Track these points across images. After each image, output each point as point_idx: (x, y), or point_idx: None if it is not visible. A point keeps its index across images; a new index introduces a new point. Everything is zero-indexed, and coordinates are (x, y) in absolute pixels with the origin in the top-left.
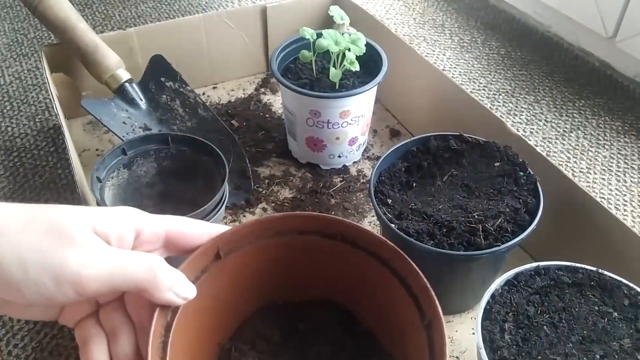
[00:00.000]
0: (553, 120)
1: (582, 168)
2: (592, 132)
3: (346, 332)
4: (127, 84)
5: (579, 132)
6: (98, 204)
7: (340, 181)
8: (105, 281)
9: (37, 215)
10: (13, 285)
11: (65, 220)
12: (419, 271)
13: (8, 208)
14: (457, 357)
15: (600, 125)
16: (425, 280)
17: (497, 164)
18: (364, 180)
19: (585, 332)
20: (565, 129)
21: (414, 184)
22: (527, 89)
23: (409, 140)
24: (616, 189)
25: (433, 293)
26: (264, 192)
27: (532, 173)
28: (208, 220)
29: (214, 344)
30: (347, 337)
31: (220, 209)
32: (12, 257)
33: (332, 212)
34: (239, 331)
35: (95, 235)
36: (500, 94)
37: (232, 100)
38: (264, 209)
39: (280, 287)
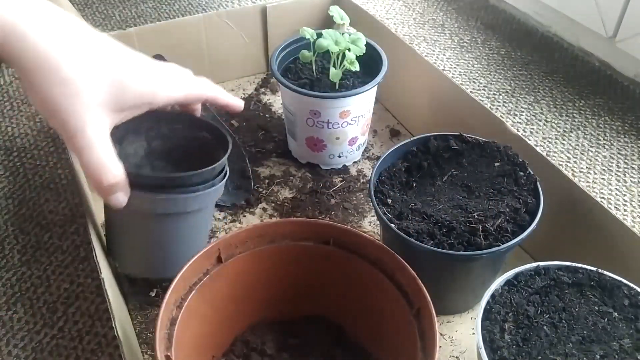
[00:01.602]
0: (553, 120)
1: (582, 168)
2: (592, 132)
3: (336, 345)
4: None
5: (579, 132)
6: None
7: (340, 181)
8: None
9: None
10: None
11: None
12: (407, 265)
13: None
14: (457, 357)
15: (600, 125)
16: (412, 271)
17: (497, 164)
18: (364, 180)
19: (585, 332)
20: (565, 129)
21: (414, 184)
22: (527, 89)
23: (409, 140)
24: (616, 189)
25: (420, 282)
26: (264, 192)
27: (532, 173)
28: (203, 191)
29: (209, 357)
30: (337, 349)
31: (218, 182)
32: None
33: (332, 212)
34: (232, 347)
35: None
36: (500, 94)
37: None
38: (264, 209)
39: (274, 299)
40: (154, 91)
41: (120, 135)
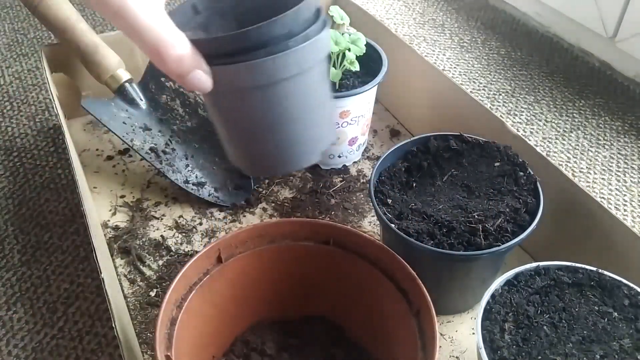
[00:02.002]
0: (553, 120)
1: (582, 168)
2: (592, 132)
3: (336, 345)
4: (127, 84)
5: (579, 132)
6: None
7: (340, 181)
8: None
9: None
10: None
11: None
12: (407, 265)
13: None
14: (457, 357)
15: (600, 125)
16: (412, 271)
17: (497, 164)
18: (364, 180)
19: (585, 332)
20: (565, 129)
21: (414, 184)
22: (527, 89)
23: (409, 140)
24: (616, 189)
25: (420, 282)
26: (264, 192)
27: (532, 173)
28: (296, 47)
29: (209, 357)
30: (337, 349)
31: (314, 34)
32: None
33: (332, 212)
34: (233, 347)
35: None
36: (500, 94)
37: None
38: (264, 209)
39: (274, 300)
40: None
41: (205, 20)
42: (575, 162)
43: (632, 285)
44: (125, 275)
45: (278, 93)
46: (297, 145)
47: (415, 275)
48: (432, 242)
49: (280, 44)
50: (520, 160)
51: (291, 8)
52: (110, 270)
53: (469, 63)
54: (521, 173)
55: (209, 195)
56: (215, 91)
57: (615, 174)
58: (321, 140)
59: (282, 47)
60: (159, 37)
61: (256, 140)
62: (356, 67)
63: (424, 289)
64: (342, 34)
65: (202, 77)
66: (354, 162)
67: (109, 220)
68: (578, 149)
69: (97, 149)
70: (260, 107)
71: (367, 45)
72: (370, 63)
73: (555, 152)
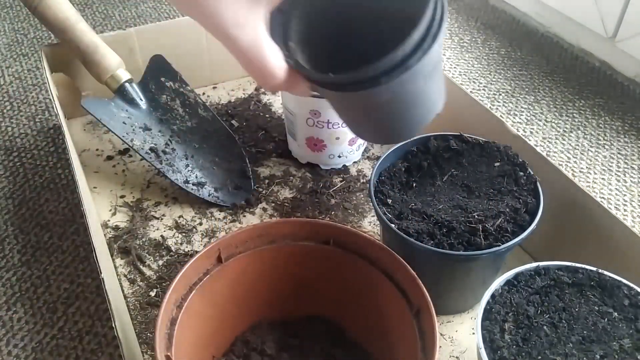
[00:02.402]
0: (553, 120)
1: (582, 168)
2: (592, 132)
3: (336, 345)
4: (127, 84)
5: (579, 132)
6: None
7: (340, 181)
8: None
9: None
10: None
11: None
12: (407, 265)
13: None
14: (457, 357)
15: (600, 125)
16: (412, 271)
17: (497, 164)
18: (364, 180)
19: (585, 332)
20: (565, 129)
21: (414, 184)
22: (527, 89)
23: (409, 140)
24: (616, 189)
25: (420, 282)
26: (264, 192)
27: (532, 173)
28: (420, 59)
29: (209, 357)
30: (337, 349)
31: (416, 62)
32: None
33: (332, 212)
34: (233, 347)
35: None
36: (500, 94)
37: (232, 100)
38: (264, 209)
39: (274, 300)
40: None
41: (288, 7)
42: (575, 162)
43: (632, 285)
44: (125, 275)
45: (390, 105)
46: (417, 124)
47: (415, 275)
48: (432, 242)
49: (394, 71)
50: (520, 160)
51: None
52: (110, 270)
53: (469, 63)
54: (521, 173)
55: (209, 195)
56: (337, 102)
57: (615, 174)
58: (424, 119)
59: (397, 73)
60: (258, 66)
61: (374, 127)
62: None
63: (424, 289)
64: None
65: (299, 91)
66: (354, 162)
67: (109, 220)
68: (578, 149)
69: (97, 149)
70: (360, 110)
71: None
72: None
73: (555, 152)
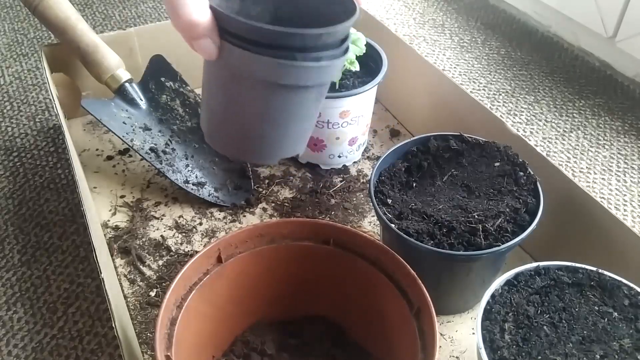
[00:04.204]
0: (553, 120)
1: (582, 168)
2: (592, 132)
3: (336, 345)
4: (127, 84)
5: (579, 132)
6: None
7: (340, 181)
8: None
9: None
10: None
11: None
12: (407, 265)
13: None
14: (457, 357)
15: (600, 125)
16: (412, 271)
17: (497, 164)
18: (364, 180)
19: (585, 332)
20: (565, 129)
21: (414, 184)
22: (527, 89)
23: (409, 140)
24: (616, 189)
25: (420, 282)
26: (264, 192)
27: (532, 173)
28: (328, 61)
29: (209, 357)
30: (337, 349)
31: (341, 55)
32: None
33: (332, 212)
34: (232, 347)
35: None
36: (500, 94)
37: None
38: (264, 209)
39: (274, 300)
40: None
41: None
42: (575, 162)
43: (632, 285)
44: (125, 275)
45: (286, 96)
46: (277, 143)
47: (415, 275)
48: (432, 242)
49: (315, 53)
50: (520, 160)
51: (326, 14)
52: (110, 270)
53: (469, 63)
54: (521, 173)
55: (209, 195)
56: (226, 70)
57: (615, 174)
58: (294, 147)
59: (315, 57)
60: (183, 6)
61: (242, 126)
62: (356, 67)
63: (424, 289)
64: None
65: (209, 47)
66: (354, 162)
67: (109, 220)
68: (578, 149)
69: (97, 149)
70: (263, 102)
71: (367, 45)
72: (370, 63)
73: (555, 152)
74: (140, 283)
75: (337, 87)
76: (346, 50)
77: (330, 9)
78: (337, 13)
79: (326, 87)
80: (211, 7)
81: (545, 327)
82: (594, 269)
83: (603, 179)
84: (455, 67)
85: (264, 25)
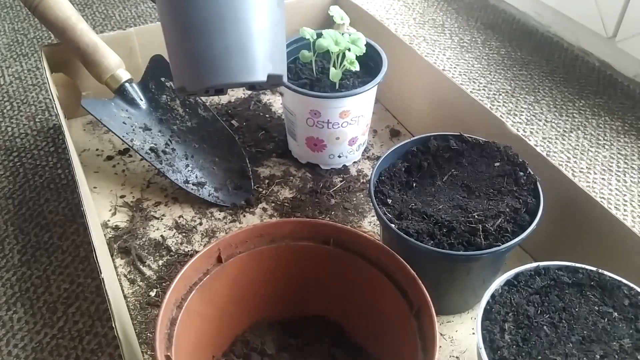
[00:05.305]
0: (553, 120)
1: (582, 168)
2: (592, 132)
3: (336, 345)
4: (127, 84)
5: (579, 132)
6: None
7: (340, 181)
8: None
9: None
10: None
11: None
12: (407, 265)
13: None
14: (457, 357)
15: (600, 125)
16: (412, 272)
17: (497, 164)
18: (364, 180)
19: (585, 332)
20: (565, 129)
21: (414, 184)
22: (527, 89)
23: (409, 140)
24: (616, 189)
25: (420, 282)
26: (264, 192)
27: (532, 173)
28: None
29: (209, 357)
30: (337, 349)
31: None
32: None
33: (332, 212)
34: (233, 347)
35: None
36: (500, 94)
37: (232, 100)
38: (264, 209)
39: (274, 300)
40: None
41: None
42: (575, 162)
43: (632, 285)
44: (125, 275)
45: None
46: (239, 53)
47: (415, 275)
48: (432, 242)
49: None
50: (520, 160)
51: None
52: (110, 270)
53: (469, 63)
54: (521, 173)
55: (209, 195)
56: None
57: (615, 174)
58: (263, 60)
59: None
60: None
61: (198, 43)
62: (356, 67)
63: (424, 289)
64: (342, 34)
65: None
66: (354, 162)
67: (109, 220)
68: (578, 149)
69: (97, 149)
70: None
71: (367, 45)
72: (370, 63)
73: (555, 152)
74: (140, 283)
75: (337, 87)
76: None
77: None
78: None
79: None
80: None
81: (545, 327)
82: (594, 269)
83: (603, 179)
84: (455, 67)
85: None
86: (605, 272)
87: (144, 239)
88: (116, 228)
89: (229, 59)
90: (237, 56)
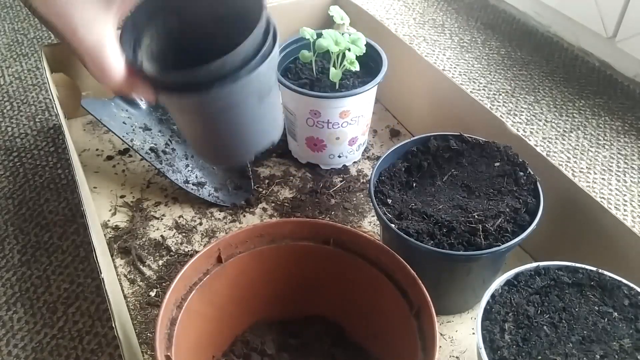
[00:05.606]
0: (553, 120)
1: (582, 168)
2: (592, 132)
3: (336, 345)
4: None
5: (579, 132)
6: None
7: (340, 181)
8: None
9: None
10: None
11: None
12: (407, 265)
13: None
14: (457, 357)
15: (600, 125)
16: (412, 272)
17: (497, 164)
18: (364, 180)
19: (585, 332)
20: (565, 129)
21: (414, 184)
22: (527, 89)
23: (409, 140)
24: (616, 189)
25: (420, 282)
26: (264, 192)
27: (532, 173)
28: (249, 72)
29: (209, 357)
30: (337, 349)
31: (254, 68)
32: None
33: (332, 212)
34: (233, 347)
35: None
36: (500, 94)
37: None
38: (264, 209)
39: (274, 300)
40: None
41: (142, 23)
42: (575, 162)
43: (632, 285)
44: (125, 275)
45: (225, 114)
46: (242, 145)
47: (415, 275)
48: (432, 242)
49: (230, 77)
50: (520, 160)
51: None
52: (110, 270)
53: (469, 63)
54: (521, 173)
55: (209, 195)
56: (167, 106)
57: (615, 174)
58: (258, 143)
59: (232, 79)
60: (98, 65)
61: (205, 141)
62: (356, 67)
63: (424, 289)
64: (342, 34)
65: (141, 95)
66: (354, 162)
67: (109, 220)
68: (578, 149)
69: (97, 149)
70: (208, 122)
71: (367, 45)
72: (370, 63)
73: (555, 152)
74: (140, 283)
75: (337, 87)
76: (268, 52)
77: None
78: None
79: (268, 85)
80: (129, 64)
81: (545, 327)
82: (594, 269)
83: (603, 179)
84: (455, 67)
85: (169, 73)
86: (605, 272)
87: (144, 239)
88: (116, 228)
89: (263, 139)
90: (270, 132)
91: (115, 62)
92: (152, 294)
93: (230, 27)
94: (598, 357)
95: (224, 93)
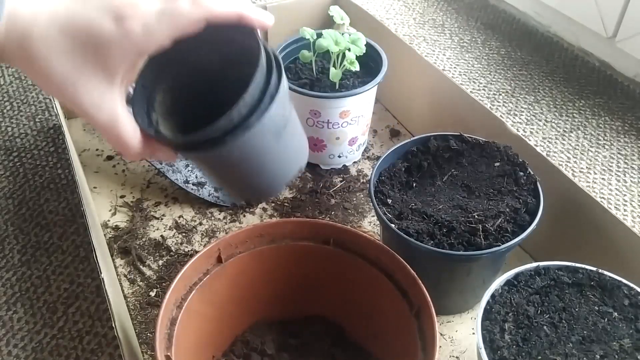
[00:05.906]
0: (553, 120)
1: (582, 168)
2: (592, 132)
3: (336, 345)
4: None
5: (579, 132)
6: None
7: (340, 181)
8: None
9: None
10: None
11: None
12: (407, 265)
13: None
14: (457, 357)
15: (600, 125)
16: (412, 272)
17: (497, 164)
18: (364, 180)
19: (585, 332)
20: (565, 129)
21: (414, 184)
22: (527, 89)
23: (409, 140)
24: (616, 189)
25: (420, 282)
26: None
27: (532, 173)
28: (260, 116)
29: (209, 357)
30: (337, 349)
31: (257, 120)
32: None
33: (332, 212)
34: (233, 347)
35: None
36: (500, 94)
37: None
38: (264, 209)
39: (274, 300)
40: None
41: (151, 82)
42: (575, 162)
43: (632, 285)
44: (125, 275)
45: (244, 159)
46: (271, 180)
47: (415, 275)
48: (432, 242)
49: (240, 127)
50: (520, 160)
51: (246, 62)
52: (110, 270)
53: (469, 63)
54: (521, 173)
55: (209, 195)
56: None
57: (615, 174)
58: (286, 175)
59: (244, 127)
60: (115, 140)
61: (233, 184)
62: (356, 67)
63: (424, 289)
64: (342, 34)
65: (161, 159)
66: (354, 162)
67: (109, 220)
68: (578, 149)
69: (97, 149)
70: (233, 169)
71: (367, 45)
72: (370, 63)
73: (555, 152)
74: (140, 283)
75: (337, 87)
76: (275, 90)
77: (240, 56)
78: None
79: (282, 121)
80: (142, 131)
81: (545, 327)
82: (594, 269)
83: (603, 179)
84: (455, 67)
85: (180, 136)
86: (605, 272)
87: (144, 239)
88: (116, 228)
89: (289, 170)
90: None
91: (130, 134)
92: (152, 294)
93: (237, 62)
94: (598, 357)
95: (239, 143)
